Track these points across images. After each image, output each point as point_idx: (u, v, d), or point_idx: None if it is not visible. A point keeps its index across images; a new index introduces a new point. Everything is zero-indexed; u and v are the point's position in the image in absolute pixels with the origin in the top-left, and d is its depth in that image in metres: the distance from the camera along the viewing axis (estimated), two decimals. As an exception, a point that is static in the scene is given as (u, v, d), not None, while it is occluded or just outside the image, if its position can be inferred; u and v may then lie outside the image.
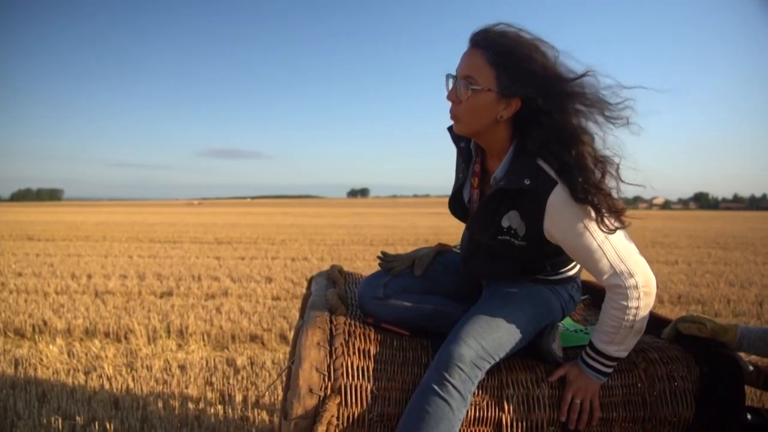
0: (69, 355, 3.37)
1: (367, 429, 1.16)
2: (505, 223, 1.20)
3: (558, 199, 1.11)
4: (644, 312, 1.15)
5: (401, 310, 1.36)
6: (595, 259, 1.14)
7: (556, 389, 1.19)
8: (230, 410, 2.55)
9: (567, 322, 1.52)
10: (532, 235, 1.19)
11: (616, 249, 1.13)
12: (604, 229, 1.12)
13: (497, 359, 1.18)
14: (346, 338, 1.23)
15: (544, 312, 1.29)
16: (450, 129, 1.30)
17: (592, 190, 1.09)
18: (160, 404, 2.57)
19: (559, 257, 1.30)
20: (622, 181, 1.15)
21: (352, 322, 1.31)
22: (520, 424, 1.16)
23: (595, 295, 1.81)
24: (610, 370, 1.19)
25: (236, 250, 9.83)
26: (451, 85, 1.18)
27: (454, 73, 1.18)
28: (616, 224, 1.13)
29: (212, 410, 2.55)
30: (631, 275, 1.13)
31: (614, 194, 1.13)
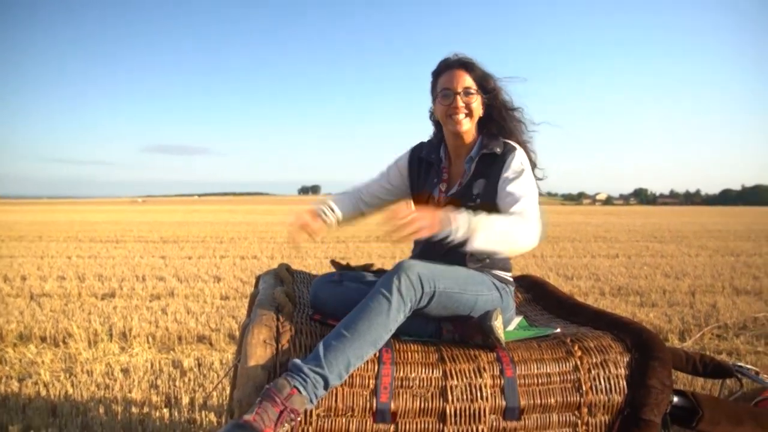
0: (1, 362, 3.21)
1: (315, 424, 1.17)
2: (474, 189, 1.57)
3: (519, 155, 1.57)
4: (520, 237, 1.38)
5: (354, 290, 1.46)
6: (519, 193, 1.48)
7: (497, 378, 1.23)
8: (176, 413, 2.50)
9: (521, 324, 1.58)
10: (489, 194, 1.54)
11: (533, 197, 1.50)
12: (533, 178, 1.57)
13: (435, 286, 1.31)
14: (293, 335, 1.23)
15: (481, 283, 1.45)
16: (417, 152, 1.74)
17: (534, 153, 1.66)
18: (101, 410, 2.49)
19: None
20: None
21: (300, 320, 1.31)
22: (463, 413, 1.19)
23: (536, 292, 1.88)
24: (458, 233, 1.29)
25: (183, 249, 9.58)
26: (450, 98, 1.59)
27: (450, 89, 1.59)
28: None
29: (157, 414, 2.49)
30: (530, 212, 1.45)
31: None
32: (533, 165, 1.64)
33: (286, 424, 1.11)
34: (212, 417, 2.47)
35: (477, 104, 1.61)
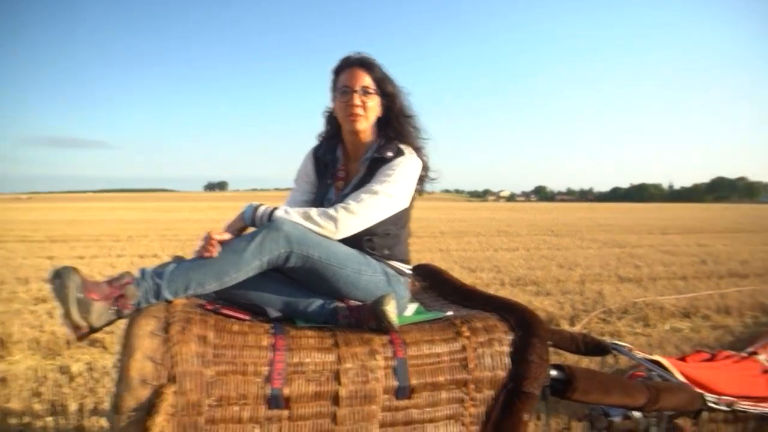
0: None
1: (206, 415, 1.14)
2: None
3: (405, 160, 1.58)
4: (322, 229, 1.45)
5: (256, 276, 1.45)
6: (370, 189, 1.52)
7: (390, 359, 1.26)
8: (63, 421, 2.34)
9: (417, 310, 1.63)
10: None
11: (378, 200, 1.51)
12: (406, 184, 1.57)
13: (306, 252, 1.39)
14: (184, 325, 1.19)
15: (365, 264, 1.51)
16: (316, 153, 1.75)
17: (426, 157, 1.69)
18: (-27, 422, 2.28)
19: (391, 236, 1.60)
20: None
21: (191, 309, 1.28)
22: (356, 395, 1.22)
23: (433, 280, 1.95)
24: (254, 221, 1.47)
25: (74, 248, 8.92)
26: (348, 95, 1.59)
27: (348, 86, 1.60)
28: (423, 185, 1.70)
29: (41, 423, 2.32)
30: (355, 212, 1.48)
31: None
32: (426, 168, 1.68)
33: (114, 307, 1.27)
34: (103, 422, 2.33)
35: (374, 104, 1.63)
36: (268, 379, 1.18)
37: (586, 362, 2.95)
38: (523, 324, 1.39)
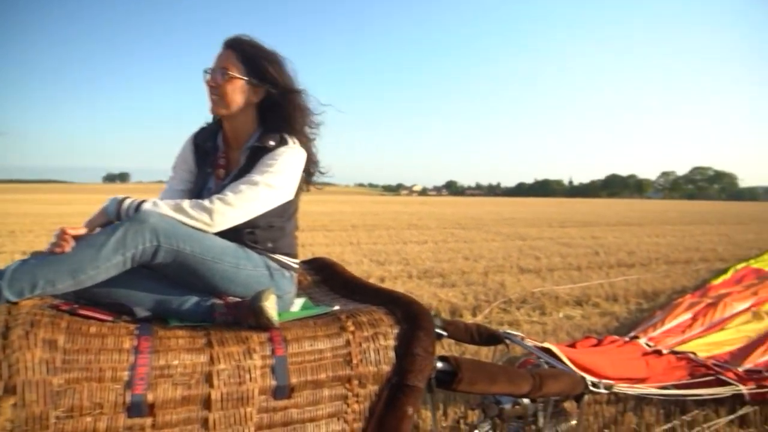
0: None
1: (54, 429, 1.02)
2: None
3: (287, 151, 1.49)
4: (195, 222, 1.34)
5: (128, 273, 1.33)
6: (249, 181, 1.43)
7: (268, 358, 1.20)
8: None
9: (305, 305, 1.58)
10: None
11: (258, 191, 1.42)
12: (288, 177, 1.49)
13: (176, 245, 1.27)
14: (27, 329, 1.05)
15: (245, 258, 1.42)
16: (195, 139, 1.65)
17: (315, 149, 1.62)
18: None
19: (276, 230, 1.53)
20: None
21: (39, 311, 1.14)
22: (230, 397, 1.14)
23: (325, 274, 1.90)
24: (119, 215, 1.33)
25: (-59, 245, 8.00)
26: (208, 77, 1.50)
27: (209, 68, 1.51)
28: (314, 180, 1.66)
29: None
30: (233, 203, 1.38)
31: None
32: (313, 162, 1.62)
33: None
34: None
35: (235, 88, 1.50)
36: (129, 384, 1.07)
37: (486, 352, 3.03)
38: (409, 317, 1.38)
